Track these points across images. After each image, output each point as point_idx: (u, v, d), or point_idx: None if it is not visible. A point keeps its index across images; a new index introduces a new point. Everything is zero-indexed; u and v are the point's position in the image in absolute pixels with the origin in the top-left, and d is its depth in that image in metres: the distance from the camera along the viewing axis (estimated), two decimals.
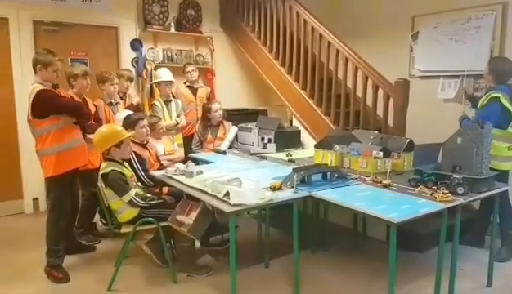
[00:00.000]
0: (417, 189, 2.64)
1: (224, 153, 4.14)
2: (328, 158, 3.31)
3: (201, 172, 3.07)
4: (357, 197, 2.56)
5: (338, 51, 4.05)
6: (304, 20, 4.32)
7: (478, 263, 3.23)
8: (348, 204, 2.45)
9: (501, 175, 3.13)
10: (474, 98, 3.75)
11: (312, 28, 4.26)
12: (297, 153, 3.96)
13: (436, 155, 2.87)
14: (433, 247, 3.32)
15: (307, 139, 4.33)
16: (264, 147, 4.19)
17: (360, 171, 3.08)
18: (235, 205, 2.44)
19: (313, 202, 3.13)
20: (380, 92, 3.76)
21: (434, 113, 4.38)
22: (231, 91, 5.64)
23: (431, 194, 2.55)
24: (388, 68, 3.99)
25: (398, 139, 3.28)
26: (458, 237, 2.57)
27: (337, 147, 3.29)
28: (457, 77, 4.25)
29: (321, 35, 4.19)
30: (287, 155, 3.85)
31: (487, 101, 3.28)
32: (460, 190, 2.51)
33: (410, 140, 3.20)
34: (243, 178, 2.78)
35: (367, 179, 2.94)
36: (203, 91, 4.97)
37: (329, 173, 2.95)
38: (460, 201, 2.47)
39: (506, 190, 2.92)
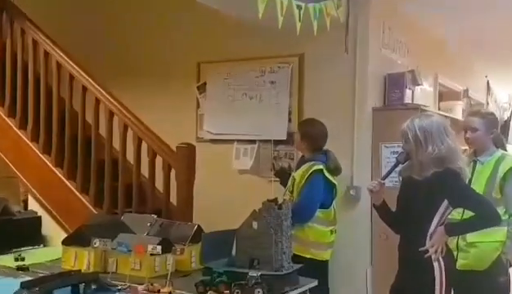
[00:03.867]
0: None
1: None
2: (83, 259, 3.01)
3: None
4: None
5: (98, 101, 4.00)
6: (45, 52, 4.16)
7: None
8: None
9: (320, 266, 3.29)
10: (285, 172, 3.92)
11: (58, 65, 4.11)
12: (33, 255, 3.49)
13: (230, 246, 2.83)
14: None
15: (51, 230, 4.08)
16: None
17: (131, 277, 2.82)
18: None
19: None
20: (159, 160, 3.82)
21: (231, 188, 4.43)
22: None
23: None
24: (174, 127, 4.24)
25: (183, 225, 3.25)
26: None
27: (97, 242, 2.97)
28: (253, 142, 4.40)
29: (71, 76, 4.09)
30: (16, 259, 3.33)
31: (309, 176, 3.45)
32: (259, 293, 2.46)
33: (199, 227, 3.17)
34: None
35: (140, 287, 2.67)
36: None
37: (82, 285, 2.60)
38: None
39: (325, 286, 3.06)
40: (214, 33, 4.51)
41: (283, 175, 3.90)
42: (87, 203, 3.96)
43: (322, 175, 3.46)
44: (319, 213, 3.44)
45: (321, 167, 3.47)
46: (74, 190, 4.02)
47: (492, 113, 3.41)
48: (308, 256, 3.36)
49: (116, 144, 3.98)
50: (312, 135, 3.57)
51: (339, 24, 3.74)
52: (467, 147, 3.31)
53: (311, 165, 3.48)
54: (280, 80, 4.29)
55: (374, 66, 4.07)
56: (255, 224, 2.66)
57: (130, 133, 3.88)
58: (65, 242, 3.14)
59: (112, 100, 3.93)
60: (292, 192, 3.55)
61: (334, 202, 3.57)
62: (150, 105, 4.59)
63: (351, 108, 4.03)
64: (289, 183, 3.63)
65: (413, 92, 4.32)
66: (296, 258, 3.01)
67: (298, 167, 3.63)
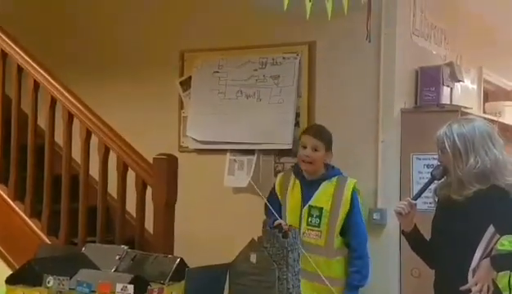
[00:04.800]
0: None
1: None
2: None
3: None
4: None
5: (54, 100, 3.97)
6: None
7: None
8: None
9: None
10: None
11: (3, 53, 4.17)
12: None
13: (222, 284, 2.81)
14: None
15: None
16: None
17: None
18: None
19: None
20: (131, 176, 3.81)
21: (223, 211, 4.43)
22: None
23: None
24: (151, 134, 4.33)
25: (162, 258, 3.28)
26: None
27: (51, 280, 2.98)
28: (251, 152, 4.35)
29: (19, 67, 4.09)
30: None
31: (353, 194, 3.50)
32: None
33: (182, 261, 3.18)
34: None
35: None
36: None
37: None
38: None
39: None
40: (202, 15, 4.51)
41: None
42: (38, 231, 3.95)
43: (358, 196, 3.54)
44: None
45: (354, 181, 3.54)
46: (22, 214, 4.01)
47: None
48: None
49: (77, 155, 3.97)
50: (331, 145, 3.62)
51: (360, 5, 3.72)
52: None
53: (335, 183, 3.53)
54: (285, 74, 4.27)
55: (402, 57, 4.08)
56: (253, 257, 2.64)
57: (94, 141, 3.86)
58: (10, 281, 3.12)
59: (72, 99, 3.91)
60: (319, 226, 3.51)
61: None
62: (121, 106, 4.59)
63: (374, 109, 4.02)
64: (306, 215, 3.56)
65: (452, 90, 4.34)
66: None
67: (305, 192, 3.59)
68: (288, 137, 4.14)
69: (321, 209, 3.51)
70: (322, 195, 3.55)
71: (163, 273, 3.09)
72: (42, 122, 4.04)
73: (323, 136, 3.65)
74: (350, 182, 3.55)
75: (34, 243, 3.80)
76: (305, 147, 3.60)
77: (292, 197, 3.64)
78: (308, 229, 3.54)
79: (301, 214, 3.57)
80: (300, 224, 3.54)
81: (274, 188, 3.77)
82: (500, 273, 2.86)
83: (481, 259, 2.52)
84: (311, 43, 4.22)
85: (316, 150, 3.58)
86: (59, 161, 3.98)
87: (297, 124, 4.19)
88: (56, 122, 4.03)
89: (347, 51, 4.09)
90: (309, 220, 3.54)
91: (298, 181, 3.66)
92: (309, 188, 3.60)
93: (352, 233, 3.53)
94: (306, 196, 3.60)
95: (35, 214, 4.00)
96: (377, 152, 3.98)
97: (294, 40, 4.26)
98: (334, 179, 3.55)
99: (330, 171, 3.61)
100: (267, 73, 4.32)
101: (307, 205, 3.56)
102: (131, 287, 2.84)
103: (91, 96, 4.06)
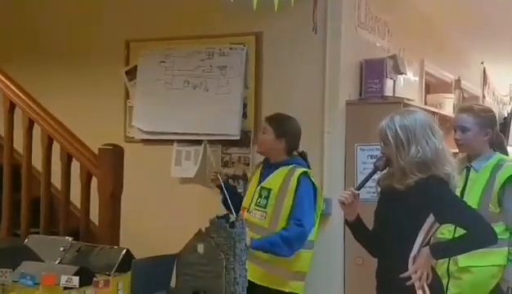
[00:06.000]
0: None
1: None
2: None
3: None
4: None
5: None
6: None
7: None
8: None
9: None
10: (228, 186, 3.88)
11: None
12: None
13: (169, 275, 2.81)
14: None
15: None
16: None
17: None
18: None
19: None
20: (76, 166, 3.80)
21: (169, 202, 4.43)
22: None
23: None
24: (96, 123, 4.31)
25: (108, 250, 3.27)
26: None
27: None
28: (198, 142, 4.38)
29: None
30: None
31: (298, 182, 3.44)
32: None
33: (128, 252, 3.18)
34: None
35: None
36: None
37: None
38: None
39: None
40: (148, 3, 4.49)
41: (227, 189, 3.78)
42: None
43: (310, 181, 3.49)
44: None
45: (305, 169, 3.50)
46: None
47: (488, 110, 3.46)
48: (287, 291, 3.39)
49: (18, 145, 3.92)
50: (292, 134, 3.59)
51: None
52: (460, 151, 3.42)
53: (290, 169, 3.50)
54: (232, 65, 4.29)
55: (348, 50, 4.14)
56: (201, 248, 2.64)
57: (37, 130, 3.83)
58: None
59: (12, 86, 3.89)
60: (265, 207, 3.51)
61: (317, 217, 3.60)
62: (65, 96, 4.54)
63: (320, 101, 4.08)
64: (256, 195, 3.57)
65: (395, 82, 4.42)
66: (267, 293, 3.07)
67: (264, 176, 3.61)
68: (235, 128, 4.17)
69: (269, 190, 3.51)
70: (275, 178, 3.55)
71: (109, 265, 3.08)
72: None
73: (271, 120, 3.64)
74: (301, 169, 3.53)
75: None
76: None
77: (253, 180, 3.67)
78: (255, 209, 3.54)
79: (254, 194, 3.58)
80: (250, 204, 3.56)
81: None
82: (440, 261, 2.95)
83: (421, 247, 2.59)
84: (258, 34, 4.25)
85: (263, 133, 3.61)
86: (0, 151, 3.95)
87: (244, 115, 4.22)
88: None
89: (293, 42, 4.13)
90: (258, 200, 3.54)
91: (262, 165, 3.69)
92: (268, 171, 3.61)
93: (293, 213, 3.48)
94: (263, 178, 3.61)
95: None
96: (322, 143, 4.04)
97: (240, 30, 4.27)
98: (292, 166, 3.54)
99: (292, 159, 3.59)
100: (214, 64, 4.33)
101: (259, 186, 3.58)
102: (76, 279, 2.81)
103: (34, 86, 4.03)
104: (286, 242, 3.33)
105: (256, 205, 3.55)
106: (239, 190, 3.90)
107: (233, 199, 3.55)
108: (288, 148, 3.59)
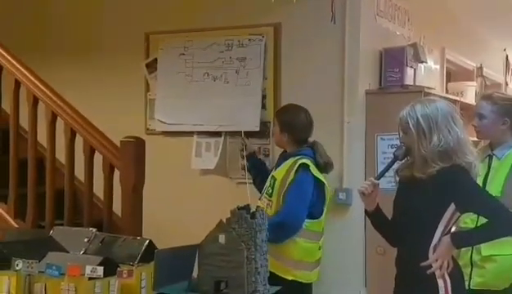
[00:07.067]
0: None
1: None
2: (2, 286, 2.97)
3: None
4: None
5: (18, 83, 3.94)
6: None
7: None
8: None
9: (304, 290, 3.38)
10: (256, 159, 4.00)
11: None
12: None
13: (191, 265, 2.82)
14: None
15: None
16: None
17: None
18: None
19: None
20: (98, 159, 3.80)
21: (190, 194, 4.44)
22: None
23: None
24: (117, 116, 4.32)
25: (131, 241, 3.29)
26: None
27: (20, 263, 2.94)
28: (218, 134, 4.40)
29: None
30: None
31: (295, 173, 3.46)
32: None
33: (151, 243, 3.21)
34: None
35: None
36: None
37: None
38: None
39: None
40: None
41: (255, 165, 3.92)
42: (4, 214, 3.93)
43: (310, 173, 3.48)
44: (307, 223, 3.45)
45: (307, 161, 3.49)
46: None
47: (508, 98, 3.40)
48: (290, 278, 3.40)
49: (42, 138, 3.94)
50: (294, 126, 3.60)
51: None
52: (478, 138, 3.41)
53: (295, 160, 3.51)
54: (251, 56, 4.30)
55: (367, 39, 4.13)
56: (222, 238, 2.65)
57: (60, 124, 3.84)
58: None
59: (37, 82, 3.88)
60: (271, 196, 3.56)
61: (324, 208, 3.59)
62: (86, 88, 4.57)
63: (339, 91, 4.06)
64: (268, 184, 3.64)
65: (415, 71, 4.40)
66: (275, 279, 3.01)
67: (278, 166, 3.65)
68: (255, 119, 4.18)
69: (275, 180, 3.56)
70: (282, 168, 3.58)
71: (133, 255, 3.10)
72: (8, 106, 4.00)
73: (277, 114, 3.80)
74: (303, 160, 3.52)
75: (1, 227, 3.80)
76: None
77: (273, 169, 3.72)
78: (264, 197, 3.61)
79: (267, 183, 3.65)
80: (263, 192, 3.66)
81: None
82: (463, 250, 2.94)
83: (441, 236, 2.58)
84: (276, 25, 4.24)
85: (274, 125, 3.76)
86: (24, 144, 3.95)
87: (263, 106, 4.22)
88: (20, 105, 3.97)
89: (312, 32, 4.12)
90: (268, 189, 3.60)
91: (280, 155, 3.77)
92: (281, 161, 3.66)
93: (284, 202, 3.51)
94: (275, 168, 3.68)
95: (1, 198, 3.98)
96: (342, 133, 4.03)
97: (259, 22, 4.27)
98: (298, 157, 3.54)
99: (300, 150, 3.59)
100: (233, 55, 4.34)
101: (271, 175, 3.65)
102: (100, 269, 2.83)
103: (56, 80, 4.03)
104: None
105: (266, 193, 3.62)
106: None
107: (260, 169, 3.89)
108: (293, 140, 3.62)
